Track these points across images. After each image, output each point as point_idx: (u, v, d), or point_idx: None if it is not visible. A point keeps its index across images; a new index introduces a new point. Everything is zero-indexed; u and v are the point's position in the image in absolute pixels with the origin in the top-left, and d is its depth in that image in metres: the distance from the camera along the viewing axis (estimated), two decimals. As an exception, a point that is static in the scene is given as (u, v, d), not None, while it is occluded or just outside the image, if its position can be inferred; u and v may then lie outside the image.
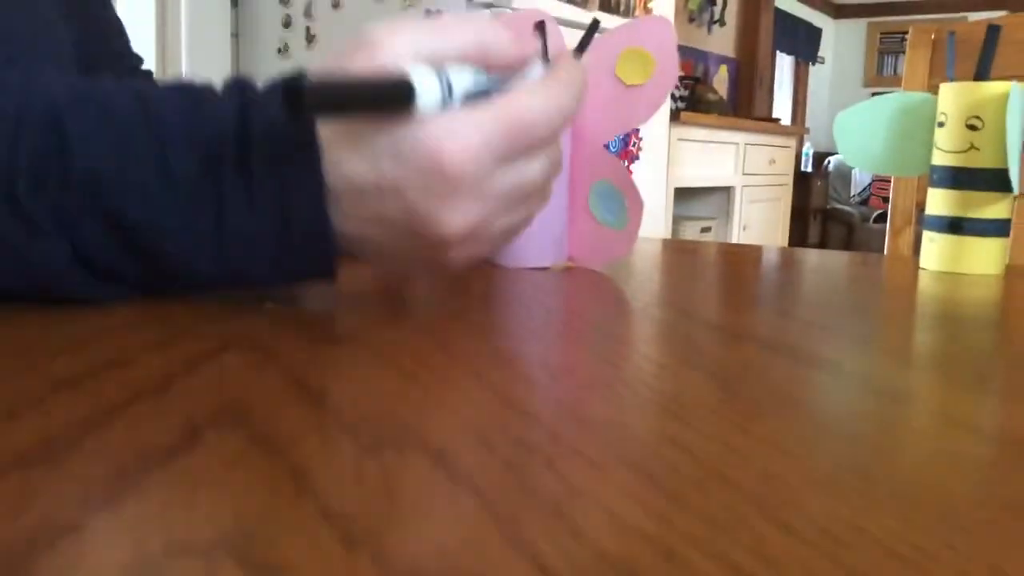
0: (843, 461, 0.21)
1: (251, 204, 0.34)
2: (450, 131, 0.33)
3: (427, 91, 0.32)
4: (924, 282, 0.54)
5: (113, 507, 0.17)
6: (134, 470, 0.19)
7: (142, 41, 2.20)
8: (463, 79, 0.34)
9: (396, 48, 0.34)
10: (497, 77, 0.36)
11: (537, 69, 0.38)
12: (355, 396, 0.25)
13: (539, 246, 0.51)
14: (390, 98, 0.32)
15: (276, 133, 0.34)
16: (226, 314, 0.35)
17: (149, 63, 2.18)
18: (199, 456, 0.20)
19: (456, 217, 0.34)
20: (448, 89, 0.33)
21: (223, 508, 0.17)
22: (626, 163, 2.44)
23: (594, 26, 0.48)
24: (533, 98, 0.35)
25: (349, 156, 0.34)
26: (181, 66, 2.19)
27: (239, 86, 0.36)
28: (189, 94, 0.35)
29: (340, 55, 0.35)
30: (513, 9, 1.93)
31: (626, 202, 0.50)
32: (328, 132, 0.34)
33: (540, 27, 0.48)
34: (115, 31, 0.64)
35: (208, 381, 0.26)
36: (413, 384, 0.26)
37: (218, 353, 0.29)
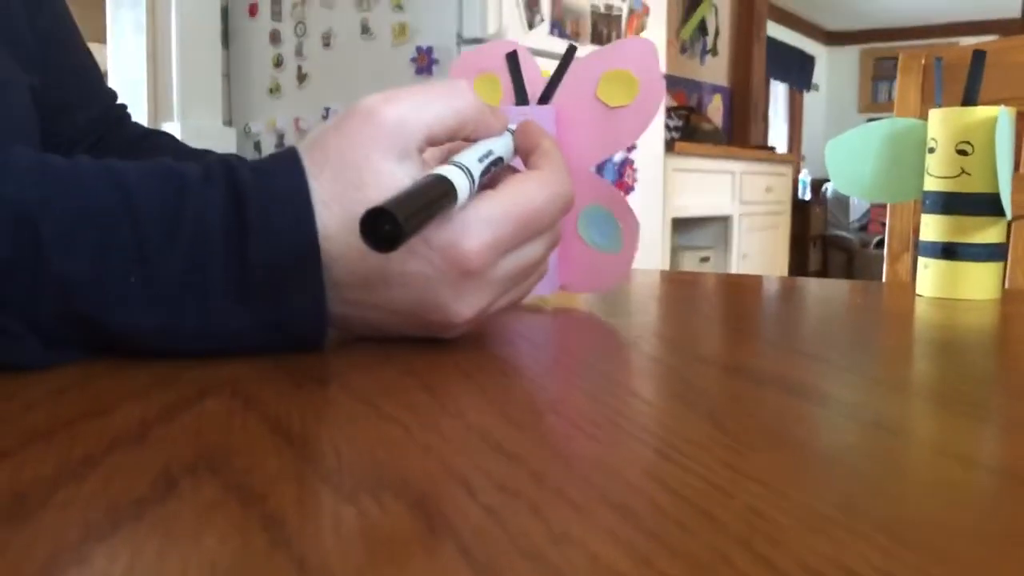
0: (831, 496, 0.21)
1: (243, 305, 0.33)
2: (465, 228, 0.34)
3: (461, 188, 0.33)
4: (920, 309, 0.54)
5: (81, 564, 0.17)
6: (105, 524, 0.19)
7: (134, 82, 2.22)
8: (475, 167, 0.35)
9: (390, 118, 0.35)
10: (489, 148, 0.38)
11: (507, 137, 0.40)
12: (335, 441, 0.25)
13: None
14: (445, 202, 0.33)
15: (270, 227, 0.33)
16: (208, 360, 0.35)
17: (141, 103, 2.20)
18: (172, 507, 0.19)
19: (464, 307, 0.36)
20: (470, 183, 0.34)
21: (195, 561, 0.17)
22: (622, 194, 2.45)
23: (570, 53, 0.48)
24: (536, 190, 0.37)
25: (356, 249, 0.33)
26: (173, 106, 2.20)
27: (225, 171, 0.34)
28: (171, 180, 0.33)
29: (335, 122, 0.35)
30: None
31: (620, 224, 0.49)
32: (331, 225, 0.34)
33: (512, 57, 0.48)
34: (82, 75, 0.63)
35: (186, 429, 0.25)
36: (395, 427, 0.26)
37: (198, 399, 0.29)
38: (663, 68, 2.61)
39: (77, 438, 0.24)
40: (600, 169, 2.35)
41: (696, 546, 0.18)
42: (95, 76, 0.65)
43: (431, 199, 0.32)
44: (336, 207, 0.34)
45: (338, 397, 0.31)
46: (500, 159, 0.38)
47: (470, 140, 0.39)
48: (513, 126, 0.42)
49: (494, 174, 0.38)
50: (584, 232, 0.50)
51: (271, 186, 0.34)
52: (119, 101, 0.67)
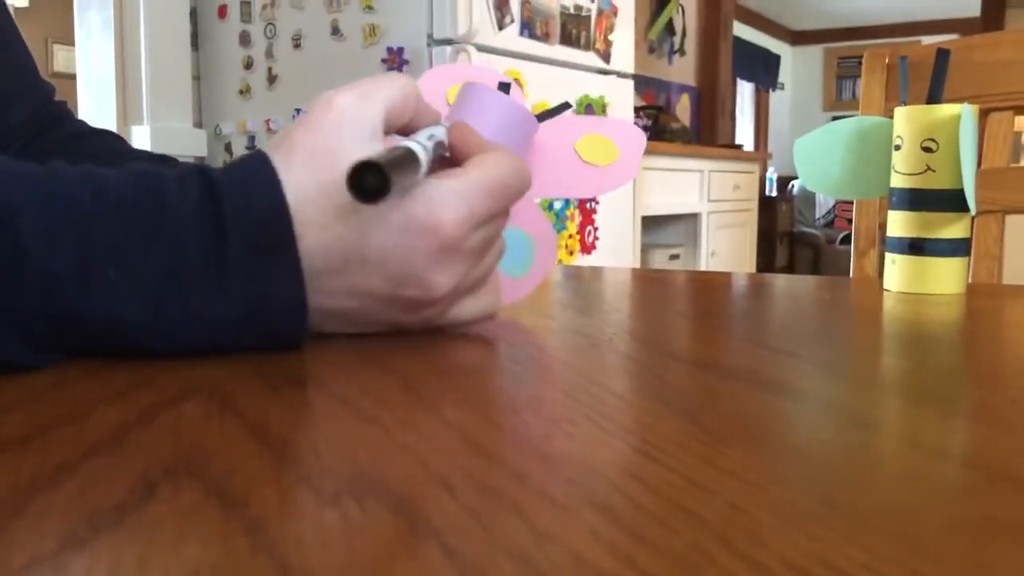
0: (809, 492, 0.21)
1: (223, 295, 0.34)
2: (441, 199, 0.36)
3: (422, 158, 0.35)
4: (888, 304, 0.54)
5: (59, 572, 0.17)
6: (83, 531, 0.18)
7: (102, 85, 2.19)
8: (427, 143, 0.37)
9: (349, 103, 0.37)
10: (431, 132, 0.40)
11: (441, 128, 0.41)
12: (316, 443, 0.25)
13: None
14: (414, 167, 0.34)
15: (246, 220, 0.33)
16: (185, 362, 0.34)
17: (110, 106, 2.17)
18: (151, 512, 0.19)
19: (443, 278, 0.37)
20: (425, 154, 0.36)
21: (176, 568, 0.17)
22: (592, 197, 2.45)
23: (563, 107, 0.50)
24: (502, 164, 0.38)
25: (332, 228, 0.35)
26: (142, 109, 2.18)
27: (198, 172, 0.35)
28: (148, 179, 0.34)
29: (296, 121, 0.37)
30: (475, 45, 1.94)
31: (535, 256, 0.49)
32: (305, 211, 0.34)
33: (504, 88, 0.49)
34: (12, 73, 0.62)
35: (164, 433, 0.25)
36: (374, 428, 0.26)
37: (176, 403, 0.28)
38: (632, 69, 2.63)
39: (53, 444, 0.24)
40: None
41: (678, 544, 0.18)
42: (29, 72, 0.63)
43: (403, 162, 0.33)
44: (311, 192, 0.34)
45: (316, 398, 0.30)
46: (442, 143, 0.40)
47: (414, 127, 0.41)
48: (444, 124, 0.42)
49: (448, 159, 0.40)
50: None
51: (242, 179, 0.34)
52: (58, 98, 0.65)
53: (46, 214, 0.31)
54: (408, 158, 0.33)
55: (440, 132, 0.40)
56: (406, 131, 0.41)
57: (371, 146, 0.36)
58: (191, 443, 0.24)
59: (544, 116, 0.50)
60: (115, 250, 0.32)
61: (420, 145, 0.36)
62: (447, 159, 0.41)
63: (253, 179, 0.34)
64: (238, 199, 0.34)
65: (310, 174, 0.35)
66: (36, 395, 0.30)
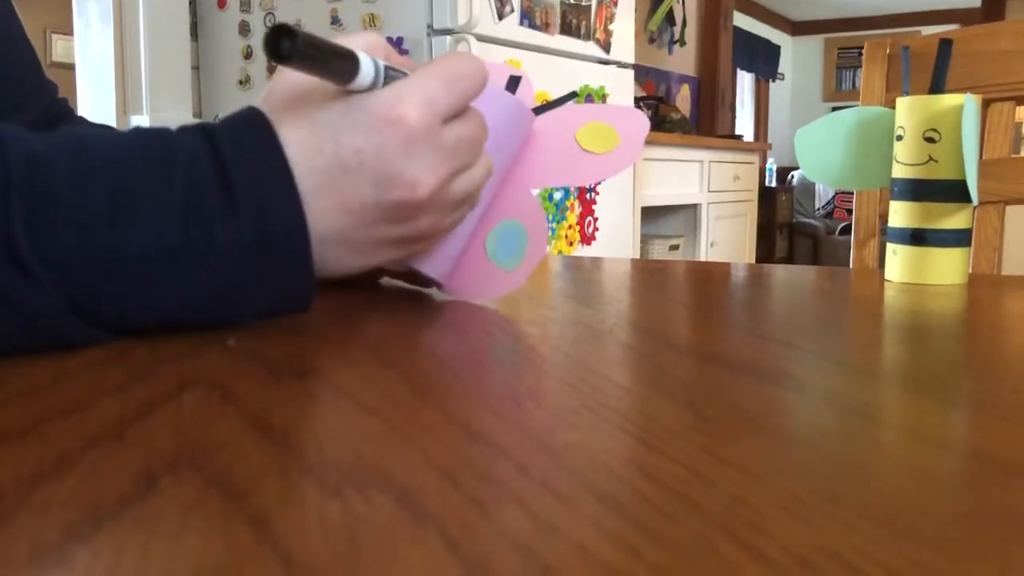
0: (811, 482, 0.21)
1: (236, 222, 0.35)
2: (399, 92, 0.38)
3: (366, 62, 0.37)
4: (889, 294, 0.54)
5: (62, 565, 0.17)
6: (86, 523, 0.18)
7: (101, 75, 2.19)
8: (380, 62, 0.39)
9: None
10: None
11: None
12: (317, 435, 0.25)
13: (431, 253, 0.47)
14: (348, 61, 0.37)
15: (245, 154, 0.36)
16: (186, 353, 0.34)
17: (109, 96, 2.17)
18: (153, 505, 0.19)
19: (422, 171, 0.38)
20: (373, 62, 0.38)
21: (179, 560, 0.17)
22: (592, 184, 2.45)
23: (569, 96, 0.49)
24: (454, 58, 0.40)
25: (309, 143, 0.37)
26: (142, 99, 2.17)
27: (196, 125, 0.37)
28: (155, 132, 0.37)
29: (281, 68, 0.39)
30: (474, 35, 1.93)
31: (528, 246, 0.49)
32: (285, 132, 0.37)
33: (513, 82, 0.48)
34: (21, 77, 0.61)
35: (165, 424, 0.25)
36: (376, 420, 0.26)
37: (177, 394, 0.28)
38: (632, 59, 2.62)
39: (53, 436, 0.24)
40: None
41: (682, 535, 0.18)
42: (35, 74, 0.63)
43: (334, 52, 0.36)
44: (291, 112, 0.38)
45: (317, 390, 0.30)
46: (399, 70, 0.41)
47: None
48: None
49: None
50: (490, 243, 0.49)
51: (233, 120, 0.38)
52: (60, 96, 0.65)
53: (73, 163, 0.34)
54: (337, 50, 0.36)
55: (403, 69, 0.41)
56: None
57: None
58: (192, 435, 0.24)
59: (549, 106, 0.50)
60: (140, 188, 0.34)
61: (369, 57, 0.38)
62: None
63: (239, 116, 0.38)
64: (230, 134, 0.37)
65: (285, 97, 0.38)
66: (35, 388, 0.30)
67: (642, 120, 0.50)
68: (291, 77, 0.39)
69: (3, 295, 0.32)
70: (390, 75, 0.39)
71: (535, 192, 0.50)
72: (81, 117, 0.66)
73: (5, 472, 0.21)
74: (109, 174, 0.34)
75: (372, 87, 0.38)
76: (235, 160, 0.36)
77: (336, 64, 0.36)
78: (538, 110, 0.50)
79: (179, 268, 0.35)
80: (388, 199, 0.38)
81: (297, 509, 0.19)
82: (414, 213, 0.39)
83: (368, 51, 0.40)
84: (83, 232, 0.33)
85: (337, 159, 0.37)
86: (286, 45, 0.33)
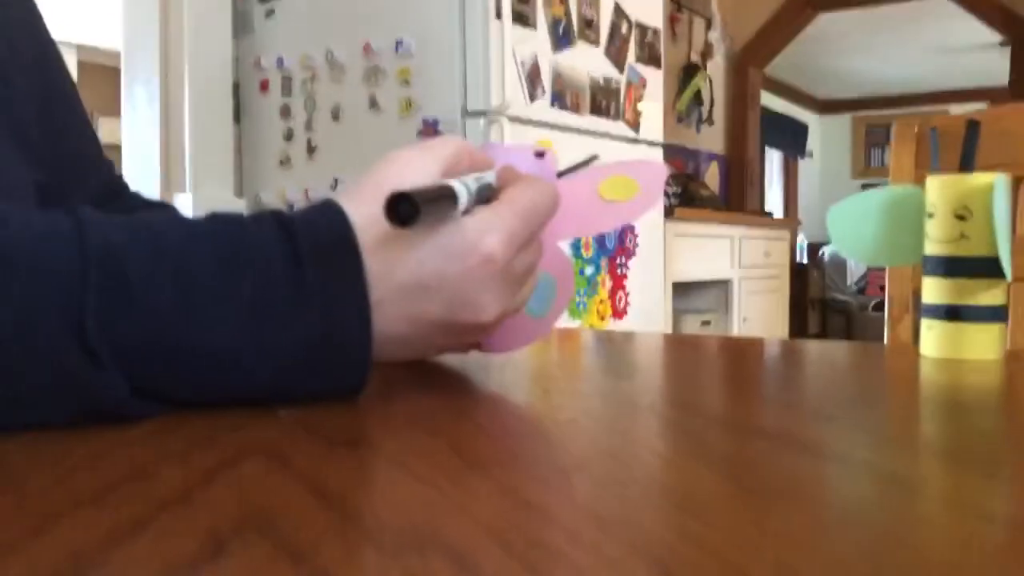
0: (857, 551, 0.21)
1: (304, 320, 0.36)
2: (485, 226, 0.39)
3: (461, 195, 0.39)
4: (925, 369, 0.55)
5: (144, 619, 0.18)
6: (162, 582, 0.19)
7: (147, 155, 2.26)
8: (471, 183, 0.40)
9: (413, 152, 0.42)
10: (479, 176, 0.43)
11: (491, 173, 0.45)
12: (373, 501, 0.26)
13: None
14: (449, 201, 0.38)
15: (320, 253, 0.37)
16: (241, 423, 0.35)
17: (154, 175, 2.24)
18: (225, 567, 0.20)
19: (492, 303, 0.40)
20: (467, 191, 0.40)
21: (252, 617, 0.18)
22: (623, 259, 2.47)
23: (590, 160, 0.52)
24: (529, 191, 0.42)
25: (395, 257, 0.38)
26: (185, 178, 2.24)
27: (270, 212, 0.38)
28: (228, 220, 0.38)
29: (373, 169, 0.41)
30: (507, 116, 1.98)
31: (556, 291, 0.51)
32: (369, 243, 0.38)
33: (540, 156, 0.51)
34: (81, 158, 0.64)
35: (229, 491, 0.26)
36: (428, 487, 0.27)
37: (237, 462, 0.30)
38: (661, 138, 2.67)
39: (124, 501, 0.25)
40: (602, 234, 2.37)
41: (731, 597, 0.18)
42: (95, 153, 0.66)
43: (437, 194, 0.37)
44: (376, 225, 0.38)
45: (369, 459, 0.31)
46: (490, 184, 0.43)
47: (467, 172, 0.44)
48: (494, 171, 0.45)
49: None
50: None
51: (312, 215, 0.38)
52: (117, 173, 0.68)
53: (146, 254, 0.35)
54: (442, 191, 0.38)
55: (488, 176, 0.43)
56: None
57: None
58: (254, 501, 0.25)
59: (572, 169, 0.52)
60: (209, 282, 0.35)
61: (463, 183, 0.39)
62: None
63: (320, 213, 0.38)
64: (309, 231, 0.37)
65: (373, 208, 0.38)
66: (100, 455, 0.31)
67: (660, 169, 0.52)
68: (379, 178, 0.40)
69: (69, 377, 0.33)
70: (480, 195, 0.41)
71: (564, 245, 0.52)
72: (135, 194, 0.69)
73: (81, 535, 0.22)
74: (180, 266, 0.35)
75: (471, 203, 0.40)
76: (310, 257, 0.36)
77: (443, 209, 0.38)
78: (561, 173, 0.52)
79: (242, 366, 0.36)
80: (454, 319, 0.40)
81: (361, 572, 0.20)
82: (474, 332, 0.42)
83: (456, 160, 0.43)
84: (151, 323, 0.34)
85: (416, 278, 0.38)
86: (403, 208, 0.35)
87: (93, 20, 5.12)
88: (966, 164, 0.58)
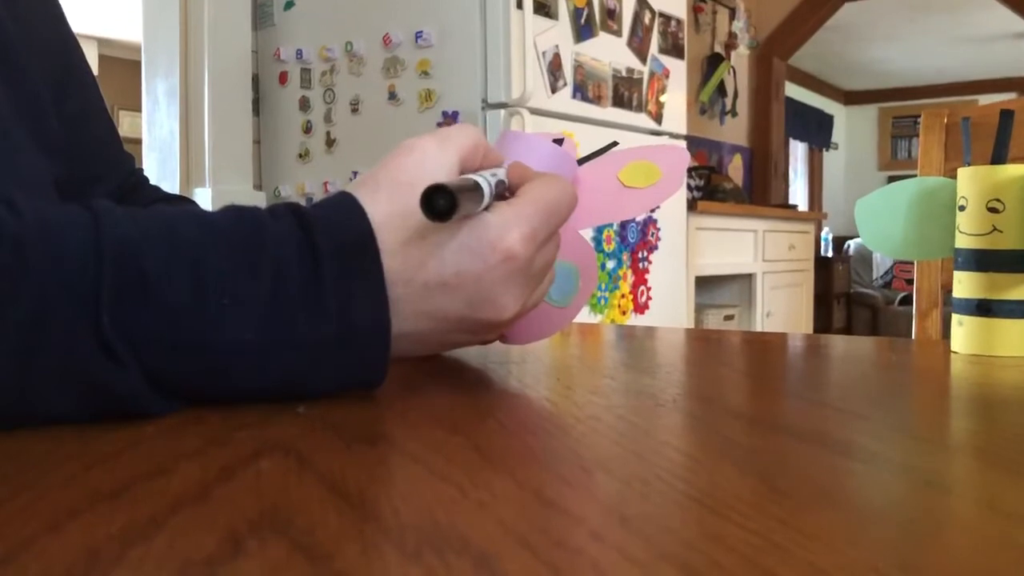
0: (888, 553, 0.21)
1: (321, 316, 0.36)
2: (507, 223, 0.39)
3: (486, 191, 0.38)
4: (956, 365, 0.53)
5: (158, 621, 0.17)
6: (177, 582, 0.19)
7: (167, 149, 2.28)
8: (491, 179, 0.40)
9: (430, 145, 0.41)
10: (495, 171, 0.42)
11: (503, 169, 0.44)
12: (392, 499, 0.25)
13: None
14: (477, 195, 0.38)
15: (339, 251, 0.36)
16: (258, 420, 0.35)
17: (174, 169, 2.25)
18: (243, 566, 0.20)
19: (511, 300, 0.40)
20: (489, 187, 0.39)
21: (268, 619, 0.17)
22: (645, 253, 2.46)
23: (610, 146, 0.51)
24: (547, 185, 0.42)
25: (414, 256, 0.38)
26: (205, 172, 2.25)
27: (288, 206, 0.38)
28: (245, 214, 0.37)
29: (389, 158, 0.40)
30: (528, 108, 1.97)
31: (579, 282, 0.51)
32: (388, 239, 0.37)
33: (559, 143, 0.50)
34: (101, 150, 0.64)
35: (246, 488, 0.26)
36: (448, 485, 0.26)
37: (253, 460, 0.29)
38: (684, 130, 2.65)
39: (140, 498, 0.25)
40: (624, 228, 2.36)
41: (761, 603, 0.18)
42: (115, 146, 0.66)
43: (469, 189, 0.37)
44: (395, 221, 0.38)
45: (389, 456, 0.31)
46: (503, 181, 0.42)
47: (482, 167, 0.44)
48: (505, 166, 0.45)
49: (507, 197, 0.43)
50: None
51: (330, 210, 0.38)
52: (137, 166, 0.68)
53: (162, 248, 0.34)
54: (473, 187, 0.37)
55: (501, 172, 0.43)
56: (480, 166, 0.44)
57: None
58: (272, 499, 0.25)
59: (592, 156, 0.51)
60: (226, 278, 0.35)
61: (485, 180, 0.39)
62: (507, 197, 0.43)
63: (340, 210, 0.38)
64: (327, 227, 0.37)
65: (394, 205, 0.38)
66: (117, 452, 0.31)
67: (682, 153, 0.51)
68: (396, 172, 0.39)
69: (85, 372, 0.33)
70: (498, 191, 0.41)
71: (586, 233, 0.51)
72: (155, 187, 0.69)
73: (99, 531, 0.22)
74: (197, 260, 0.35)
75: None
76: (329, 255, 0.36)
77: (470, 205, 0.37)
78: (582, 160, 0.51)
79: (259, 360, 0.36)
80: (473, 317, 0.39)
81: (380, 572, 0.20)
82: (492, 329, 0.41)
83: (473, 153, 0.42)
84: (167, 318, 0.34)
85: (438, 276, 0.38)
86: (441, 202, 0.34)
87: (114, 13, 5.15)
88: (999, 155, 0.57)
